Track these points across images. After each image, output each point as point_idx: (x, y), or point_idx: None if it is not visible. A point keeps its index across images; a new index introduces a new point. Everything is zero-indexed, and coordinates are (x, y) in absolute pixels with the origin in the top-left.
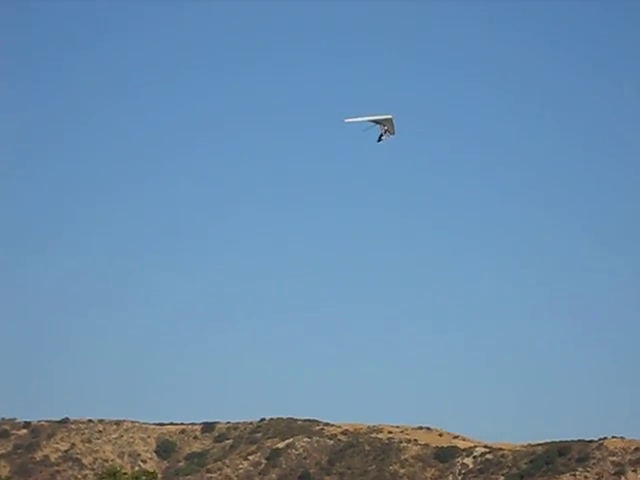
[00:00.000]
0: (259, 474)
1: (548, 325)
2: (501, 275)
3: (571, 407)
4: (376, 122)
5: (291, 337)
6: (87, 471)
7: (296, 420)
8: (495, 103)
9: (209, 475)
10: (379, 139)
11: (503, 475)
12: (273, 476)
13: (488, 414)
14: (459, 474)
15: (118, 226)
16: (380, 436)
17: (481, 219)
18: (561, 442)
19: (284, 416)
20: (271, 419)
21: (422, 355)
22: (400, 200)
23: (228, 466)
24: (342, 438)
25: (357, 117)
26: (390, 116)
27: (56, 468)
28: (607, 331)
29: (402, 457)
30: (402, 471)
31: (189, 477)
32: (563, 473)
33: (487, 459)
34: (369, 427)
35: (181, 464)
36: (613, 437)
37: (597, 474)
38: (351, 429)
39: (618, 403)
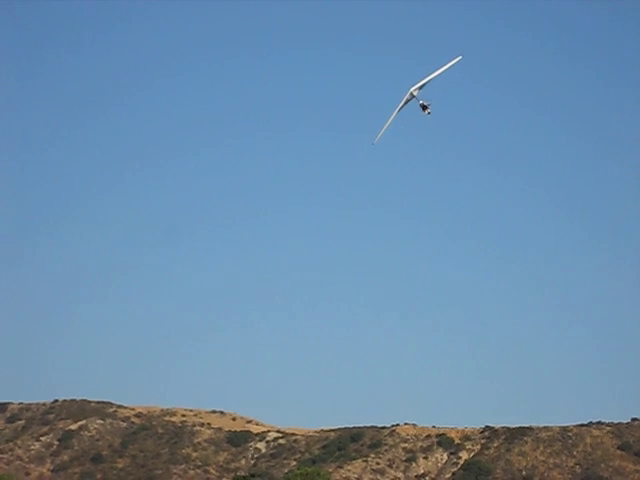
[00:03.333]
0: (51, 455)
1: (354, 314)
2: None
3: (365, 393)
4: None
5: (83, 317)
6: None
7: (89, 402)
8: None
9: (0, 456)
10: (424, 110)
11: (295, 460)
12: (65, 457)
13: (281, 399)
14: (252, 458)
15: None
16: (174, 419)
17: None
18: (354, 428)
19: (77, 398)
20: (64, 400)
21: (215, 339)
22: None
23: (20, 447)
24: (135, 420)
25: (381, 128)
26: (414, 90)
27: None
28: (393, 324)
29: (195, 440)
30: (195, 454)
31: None
32: (355, 459)
33: (280, 444)
34: (163, 410)
35: None
36: (405, 424)
37: (389, 460)
38: (145, 412)
39: (410, 391)
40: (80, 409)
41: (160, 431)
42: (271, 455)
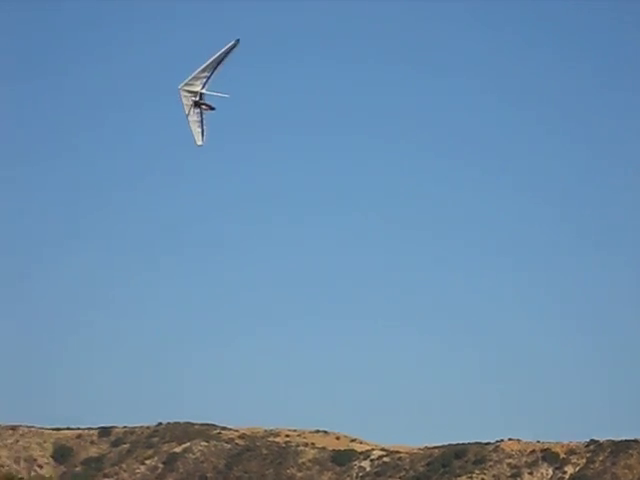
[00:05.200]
0: (156, 478)
1: (440, 329)
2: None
3: (468, 409)
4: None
5: (184, 340)
6: None
7: (193, 424)
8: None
9: None
10: (198, 107)
11: (400, 478)
12: None
13: (385, 417)
14: (356, 477)
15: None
16: (277, 440)
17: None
18: (458, 445)
19: (181, 420)
20: (168, 423)
21: (318, 358)
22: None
23: (125, 470)
24: (239, 442)
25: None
26: (185, 87)
27: None
28: (498, 337)
29: (299, 461)
30: (299, 475)
31: None
32: (460, 476)
33: (384, 462)
34: (266, 431)
35: (78, 469)
36: (509, 439)
37: (494, 476)
38: (248, 433)
39: (514, 405)
40: (184, 431)
41: (264, 452)
42: (375, 473)
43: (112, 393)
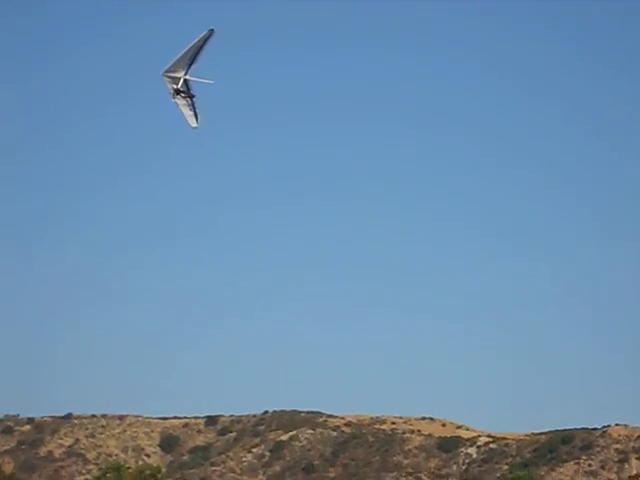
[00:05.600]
0: (263, 467)
1: (550, 315)
2: (501, 267)
3: (574, 395)
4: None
5: (293, 330)
6: (91, 466)
7: (299, 412)
8: (501, 98)
9: (213, 468)
10: (178, 94)
11: (507, 464)
12: (277, 468)
13: (491, 404)
14: (463, 464)
15: (118, 222)
16: (383, 427)
17: (480, 210)
18: (565, 430)
19: (287, 408)
20: (274, 411)
21: (424, 346)
22: (401, 195)
23: (232, 459)
24: (345, 429)
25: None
26: (168, 74)
27: (60, 464)
28: (609, 320)
29: (406, 448)
30: (406, 461)
31: (193, 471)
32: (567, 461)
33: (491, 448)
34: (372, 418)
35: (185, 458)
36: (616, 425)
37: (601, 462)
38: (354, 420)
39: (621, 391)
40: (290, 420)
41: (370, 439)
42: (482, 460)
43: (219, 382)
